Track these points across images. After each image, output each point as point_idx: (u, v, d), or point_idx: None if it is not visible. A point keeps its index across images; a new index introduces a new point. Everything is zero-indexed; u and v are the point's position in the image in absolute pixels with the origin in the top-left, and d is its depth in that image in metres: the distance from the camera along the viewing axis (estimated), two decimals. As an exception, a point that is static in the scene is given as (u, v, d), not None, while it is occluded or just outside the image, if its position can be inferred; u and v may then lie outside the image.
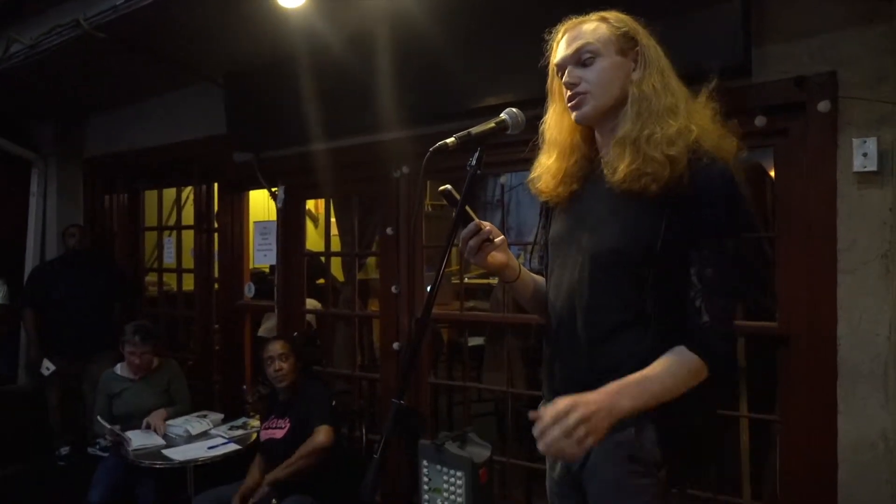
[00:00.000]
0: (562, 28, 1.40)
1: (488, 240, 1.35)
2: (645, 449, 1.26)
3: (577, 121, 1.37)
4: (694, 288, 1.24)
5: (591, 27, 1.34)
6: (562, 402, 1.12)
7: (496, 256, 1.39)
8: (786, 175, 2.26)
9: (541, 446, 1.11)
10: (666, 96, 1.30)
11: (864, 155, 2.04)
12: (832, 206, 2.13)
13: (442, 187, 1.34)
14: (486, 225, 1.35)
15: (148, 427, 3.21)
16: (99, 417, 3.24)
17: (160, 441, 3.14)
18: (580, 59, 1.33)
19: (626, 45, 1.33)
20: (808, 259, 2.18)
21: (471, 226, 1.33)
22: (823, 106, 2.10)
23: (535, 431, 1.11)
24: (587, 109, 1.34)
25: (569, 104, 1.36)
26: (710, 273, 1.22)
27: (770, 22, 2.20)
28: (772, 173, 2.78)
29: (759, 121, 2.22)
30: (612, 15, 1.36)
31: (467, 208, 1.32)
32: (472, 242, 1.34)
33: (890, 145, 2.01)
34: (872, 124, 2.05)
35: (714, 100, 1.35)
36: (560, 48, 1.38)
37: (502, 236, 1.39)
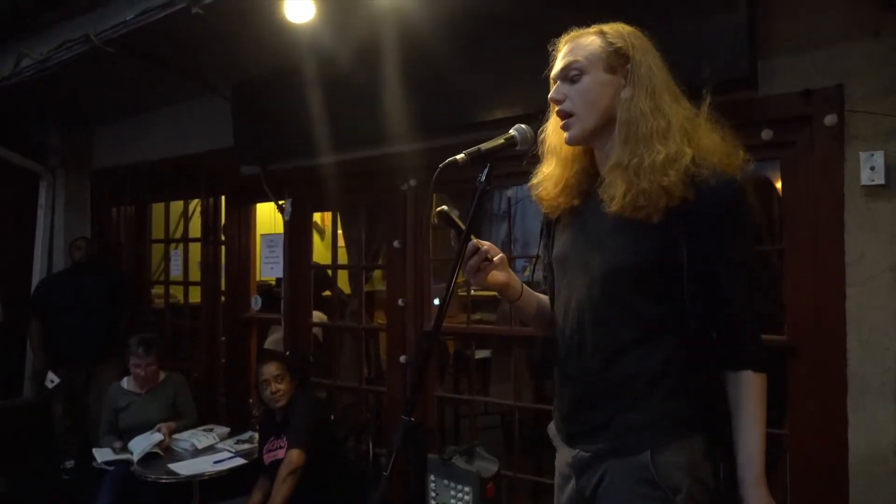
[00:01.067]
0: (563, 40, 1.39)
1: (487, 259, 1.35)
2: (661, 473, 1.24)
3: (568, 143, 1.37)
4: (718, 308, 1.25)
5: (586, 42, 1.33)
6: None
7: (496, 276, 1.38)
8: (793, 188, 2.26)
9: None
10: (655, 119, 1.27)
11: (872, 168, 2.04)
12: (840, 219, 2.12)
13: (439, 208, 1.33)
14: (485, 244, 1.35)
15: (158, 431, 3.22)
16: (95, 450, 3.23)
17: (159, 437, 3.15)
18: (567, 74, 1.33)
19: (616, 62, 1.31)
20: (816, 271, 2.18)
21: (469, 246, 1.32)
22: (830, 119, 2.10)
23: None
24: (575, 132, 1.34)
25: (560, 126, 1.37)
26: (731, 292, 1.24)
27: (776, 34, 2.21)
28: (778, 185, 2.78)
29: (766, 134, 2.22)
30: (611, 29, 1.34)
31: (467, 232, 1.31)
32: (471, 262, 1.34)
33: (897, 159, 2.01)
34: (880, 137, 2.05)
35: (720, 117, 1.33)
36: (556, 61, 1.38)
37: (501, 255, 1.38)
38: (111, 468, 3.30)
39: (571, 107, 1.33)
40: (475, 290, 3.75)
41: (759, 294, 1.30)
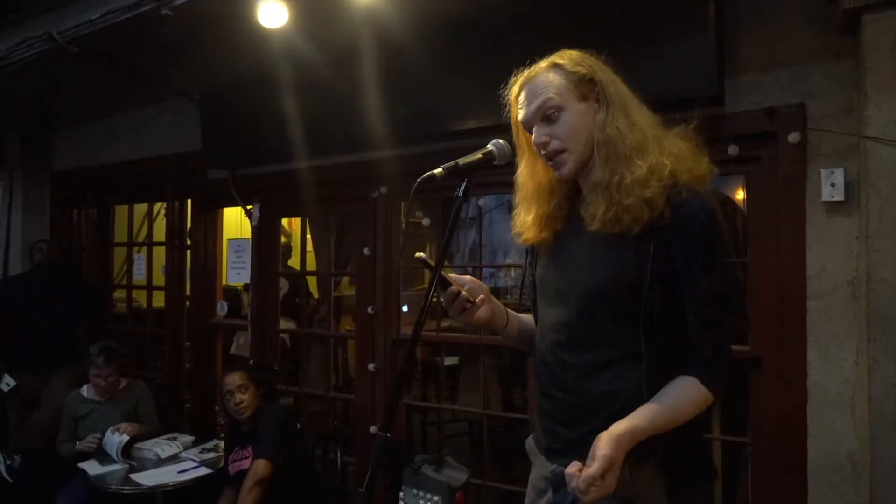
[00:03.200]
0: (517, 81, 1.39)
1: (470, 301, 1.36)
2: (638, 490, 1.25)
3: (563, 178, 1.36)
4: (691, 325, 1.25)
5: (548, 79, 1.32)
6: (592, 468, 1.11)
7: (480, 313, 1.40)
8: (757, 202, 2.32)
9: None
10: (632, 134, 1.29)
11: (832, 185, 2.10)
12: (801, 234, 2.19)
13: (417, 255, 1.33)
14: (465, 287, 1.36)
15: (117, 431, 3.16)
16: (82, 465, 3.13)
17: (123, 437, 3.12)
18: (545, 115, 1.32)
19: (585, 89, 1.32)
20: (778, 284, 2.24)
21: (448, 292, 1.34)
22: (793, 137, 2.16)
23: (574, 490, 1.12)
24: (570, 167, 1.33)
25: (549, 164, 1.36)
26: (703, 310, 1.25)
27: (743, 54, 2.27)
28: (738, 196, 2.86)
29: (732, 149, 2.27)
30: (564, 58, 1.34)
31: (443, 274, 1.31)
32: (452, 308, 1.36)
33: (856, 176, 2.07)
34: (840, 155, 2.12)
35: (687, 126, 1.36)
36: (521, 105, 1.37)
37: (482, 296, 1.39)
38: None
39: (560, 144, 1.32)
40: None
41: (729, 317, 1.30)
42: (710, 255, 1.26)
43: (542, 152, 1.35)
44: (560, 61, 1.34)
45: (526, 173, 1.45)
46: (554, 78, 1.32)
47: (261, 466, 2.64)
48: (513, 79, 1.40)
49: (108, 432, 3.16)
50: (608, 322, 1.29)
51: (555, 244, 1.44)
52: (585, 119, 1.32)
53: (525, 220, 1.46)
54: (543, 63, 1.36)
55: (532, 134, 1.37)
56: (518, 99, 1.38)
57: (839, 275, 2.13)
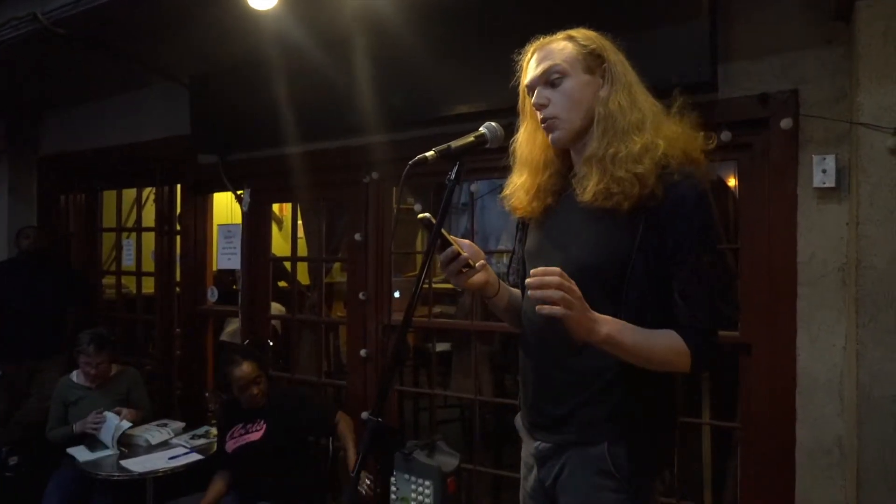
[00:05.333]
0: (530, 48, 1.41)
1: (469, 265, 1.36)
2: (617, 464, 1.28)
3: (554, 144, 1.39)
4: (677, 306, 1.26)
5: (559, 47, 1.36)
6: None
7: (476, 279, 1.41)
8: (749, 189, 2.32)
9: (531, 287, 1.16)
10: (632, 113, 1.31)
11: (824, 171, 2.11)
12: (793, 220, 2.19)
13: (421, 215, 1.32)
14: (464, 249, 1.36)
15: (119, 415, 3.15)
16: (71, 451, 3.13)
17: (127, 424, 3.13)
18: (548, 79, 1.35)
19: (593, 63, 1.35)
20: (769, 270, 2.25)
21: (449, 251, 1.33)
22: (786, 123, 2.16)
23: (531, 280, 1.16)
24: (561, 134, 1.36)
25: (543, 127, 1.38)
26: (691, 291, 1.25)
27: (736, 40, 2.26)
28: (730, 182, 2.86)
29: (725, 135, 2.27)
30: (579, 33, 1.38)
31: (444, 232, 1.31)
32: (450, 268, 1.35)
33: (847, 162, 2.08)
34: (831, 142, 2.12)
35: (683, 111, 1.37)
36: (529, 69, 1.40)
37: (482, 261, 1.40)
38: None
39: (556, 110, 1.35)
40: (436, 284, 3.75)
41: (720, 298, 1.30)
42: (700, 237, 1.26)
43: (539, 115, 1.37)
44: (574, 34, 1.38)
45: (524, 140, 1.47)
46: (566, 46, 1.36)
47: (344, 416, 2.96)
48: (527, 46, 1.42)
49: (109, 416, 3.14)
50: (598, 297, 1.29)
51: (546, 219, 1.45)
52: (587, 91, 1.34)
53: (515, 183, 1.47)
54: (559, 35, 1.39)
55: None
56: (528, 64, 1.40)
57: (829, 261, 2.14)
